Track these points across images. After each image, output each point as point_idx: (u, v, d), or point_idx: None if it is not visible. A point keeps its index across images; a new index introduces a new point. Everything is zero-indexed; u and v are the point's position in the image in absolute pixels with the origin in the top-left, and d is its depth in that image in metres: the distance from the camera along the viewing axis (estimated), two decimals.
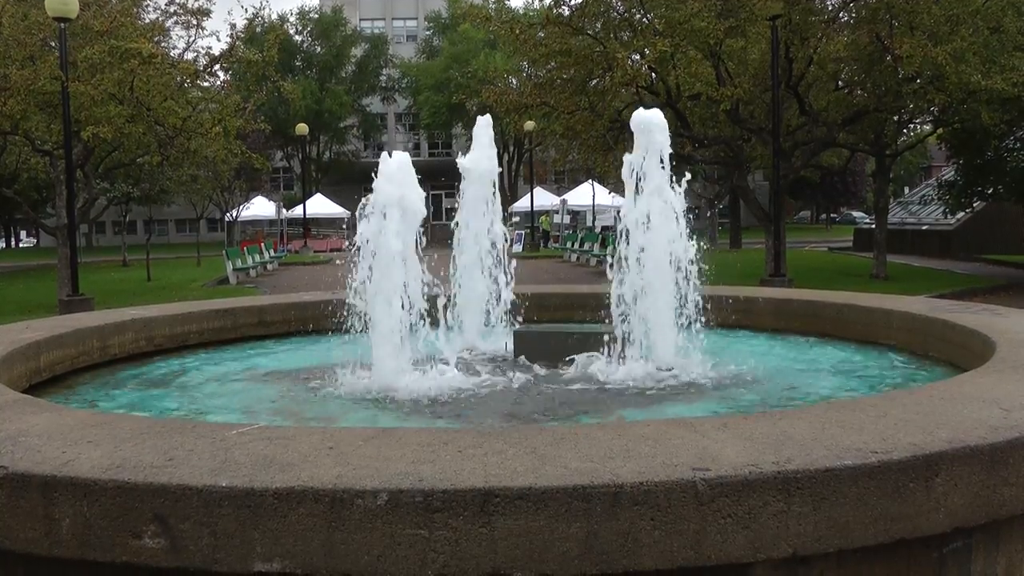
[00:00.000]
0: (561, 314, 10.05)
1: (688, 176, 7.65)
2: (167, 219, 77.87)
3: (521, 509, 3.04)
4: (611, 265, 7.55)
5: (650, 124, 7.68)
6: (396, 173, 7.14)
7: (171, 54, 25.11)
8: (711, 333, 7.99)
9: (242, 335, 9.36)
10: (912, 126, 31.58)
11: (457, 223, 9.07)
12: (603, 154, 24.12)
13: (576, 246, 39.72)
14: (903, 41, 19.23)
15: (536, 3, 26.70)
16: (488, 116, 9.38)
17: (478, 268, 8.92)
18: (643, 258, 7.48)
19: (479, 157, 9.10)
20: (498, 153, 9.28)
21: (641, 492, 3.08)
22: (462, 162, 9.07)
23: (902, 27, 20.16)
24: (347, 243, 7.38)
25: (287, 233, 57.68)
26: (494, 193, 9.13)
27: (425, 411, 6.10)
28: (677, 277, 7.50)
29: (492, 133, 9.25)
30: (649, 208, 7.54)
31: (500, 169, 9.18)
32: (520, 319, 8.88)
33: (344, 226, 61.07)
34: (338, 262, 7.72)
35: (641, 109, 7.94)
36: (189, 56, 25.11)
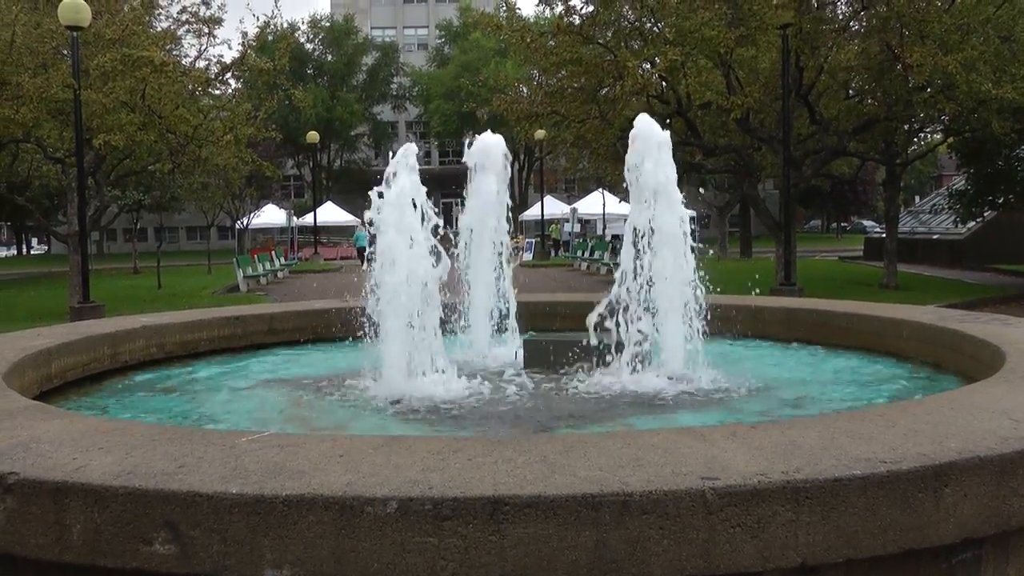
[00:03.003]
0: (570, 323, 10.03)
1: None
2: (178, 226, 78.08)
3: (530, 517, 3.05)
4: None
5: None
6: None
7: (183, 62, 25.19)
8: (721, 342, 7.98)
9: (252, 343, 9.38)
10: (922, 135, 31.50)
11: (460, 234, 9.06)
12: (613, 163, 24.08)
13: (586, 255, 39.73)
14: (914, 50, 19.20)
15: (547, 12, 26.62)
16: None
17: (485, 277, 8.91)
18: (651, 267, 7.48)
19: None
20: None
21: (650, 501, 3.08)
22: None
23: (913, 36, 20.12)
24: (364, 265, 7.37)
25: (298, 241, 57.81)
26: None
27: (434, 419, 6.11)
28: (686, 286, 7.49)
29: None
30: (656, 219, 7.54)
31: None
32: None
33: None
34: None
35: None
36: (201, 64, 25.20)
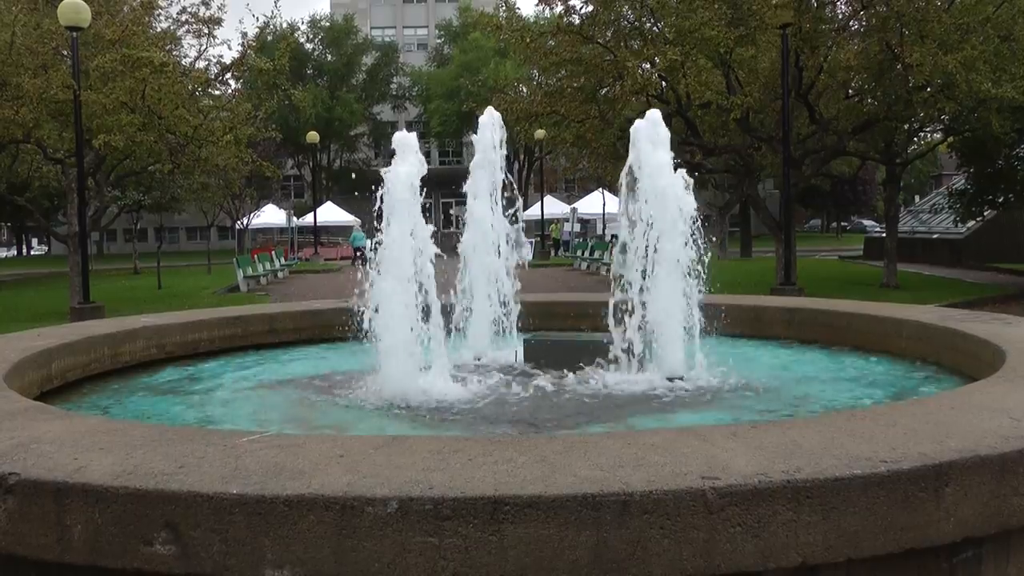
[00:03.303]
0: (571, 323, 10.03)
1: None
2: (178, 227, 78.11)
3: (531, 517, 3.05)
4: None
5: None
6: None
7: (183, 63, 25.18)
8: (720, 342, 7.98)
9: (253, 343, 9.38)
10: (922, 134, 31.45)
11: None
12: (613, 163, 24.08)
13: (586, 255, 39.72)
14: (913, 49, 19.20)
15: (547, 12, 26.62)
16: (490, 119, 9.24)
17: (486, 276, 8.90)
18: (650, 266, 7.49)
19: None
20: (508, 160, 9.15)
21: (651, 501, 3.08)
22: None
23: (912, 35, 20.11)
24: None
25: (297, 241, 57.80)
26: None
27: (434, 419, 6.10)
28: (685, 285, 7.49)
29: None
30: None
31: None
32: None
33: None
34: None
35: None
36: (200, 65, 25.19)
